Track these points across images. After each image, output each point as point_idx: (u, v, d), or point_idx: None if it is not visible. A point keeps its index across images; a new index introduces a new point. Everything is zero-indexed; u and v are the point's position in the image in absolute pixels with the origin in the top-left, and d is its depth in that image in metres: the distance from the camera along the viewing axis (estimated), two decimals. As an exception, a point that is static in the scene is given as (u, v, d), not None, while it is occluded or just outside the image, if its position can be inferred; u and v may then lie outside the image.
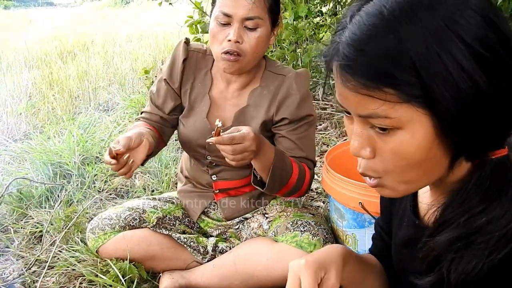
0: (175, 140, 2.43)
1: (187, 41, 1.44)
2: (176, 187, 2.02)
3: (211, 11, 1.31)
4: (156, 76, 3.74)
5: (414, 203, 0.76)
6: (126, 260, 1.43)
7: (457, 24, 0.53)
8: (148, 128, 1.40)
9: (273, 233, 1.41)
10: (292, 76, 1.36)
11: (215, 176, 1.47)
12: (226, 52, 1.24)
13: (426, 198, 0.74)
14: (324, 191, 1.93)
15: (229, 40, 1.23)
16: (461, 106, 0.53)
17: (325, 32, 4.23)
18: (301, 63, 2.99)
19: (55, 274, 1.54)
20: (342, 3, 4.44)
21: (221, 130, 1.12)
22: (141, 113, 1.52)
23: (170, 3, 2.71)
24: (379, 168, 0.61)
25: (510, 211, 0.55)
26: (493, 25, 0.54)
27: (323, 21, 4.15)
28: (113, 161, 1.18)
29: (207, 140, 1.14)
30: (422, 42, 0.52)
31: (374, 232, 0.99)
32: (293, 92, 1.34)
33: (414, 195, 0.77)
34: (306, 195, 1.61)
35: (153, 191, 2.08)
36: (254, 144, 1.14)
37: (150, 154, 1.38)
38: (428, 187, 0.72)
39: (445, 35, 0.52)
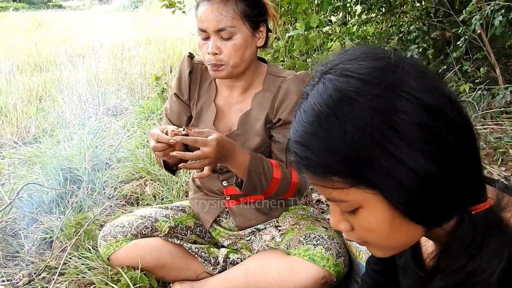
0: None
1: (190, 55, 1.50)
2: (186, 196, 2.03)
3: None
4: (166, 83, 3.76)
5: (416, 254, 0.76)
6: (137, 268, 1.43)
7: (384, 116, 0.53)
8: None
9: (286, 246, 1.40)
10: (291, 78, 1.39)
11: (226, 182, 1.48)
12: (210, 64, 1.32)
13: (428, 247, 0.74)
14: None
15: (209, 53, 1.30)
16: (404, 191, 0.54)
17: (334, 42, 4.25)
18: (312, 72, 3.00)
19: (65, 281, 1.54)
20: (351, 13, 4.47)
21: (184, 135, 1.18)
22: None
23: (183, 11, 2.73)
24: (359, 238, 0.64)
25: (490, 267, 0.55)
26: (428, 109, 0.54)
27: (332, 30, 4.17)
28: (172, 139, 1.17)
29: (170, 139, 1.16)
30: (348, 136, 0.54)
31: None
32: (290, 94, 1.36)
33: (415, 246, 0.77)
34: (317, 206, 1.60)
35: (163, 199, 2.08)
36: (214, 152, 1.18)
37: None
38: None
39: (370, 127, 0.53)
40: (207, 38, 1.31)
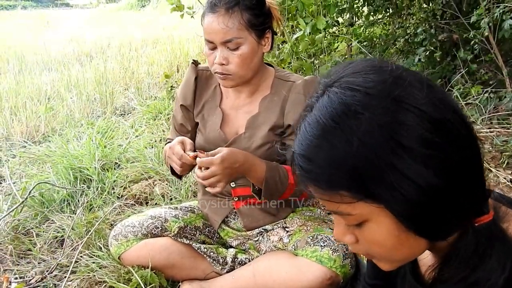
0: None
1: (195, 63, 1.54)
2: (195, 196, 2.06)
3: None
4: (176, 82, 3.77)
5: (414, 265, 0.76)
6: (147, 267, 1.46)
7: (389, 129, 0.53)
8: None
9: (293, 247, 1.43)
10: (300, 83, 1.41)
11: (234, 183, 1.50)
12: (217, 73, 1.35)
13: (426, 259, 0.73)
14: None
15: (216, 63, 1.33)
16: (409, 205, 0.55)
17: (341, 42, 4.25)
18: (319, 74, 3.02)
19: (77, 279, 1.57)
20: (358, 14, 4.46)
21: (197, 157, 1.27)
22: (167, 140, 1.61)
23: (192, 16, 2.74)
24: (364, 251, 0.64)
25: (492, 278, 0.56)
26: (433, 121, 0.54)
27: (339, 31, 4.18)
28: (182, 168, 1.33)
29: (185, 159, 1.29)
30: (354, 149, 0.54)
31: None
32: (300, 99, 1.38)
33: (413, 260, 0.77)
34: (324, 208, 1.62)
35: (171, 199, 2.11)
36: (221, 170, 1.22)
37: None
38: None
39: (376, 141, 0.53)
40: (214, 48, 1.33)
